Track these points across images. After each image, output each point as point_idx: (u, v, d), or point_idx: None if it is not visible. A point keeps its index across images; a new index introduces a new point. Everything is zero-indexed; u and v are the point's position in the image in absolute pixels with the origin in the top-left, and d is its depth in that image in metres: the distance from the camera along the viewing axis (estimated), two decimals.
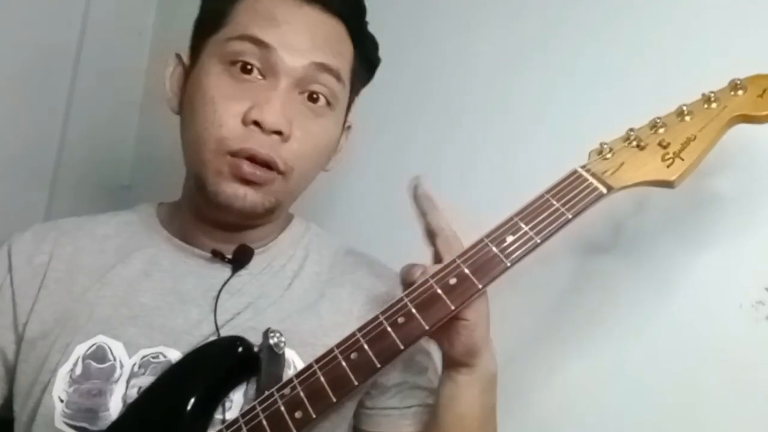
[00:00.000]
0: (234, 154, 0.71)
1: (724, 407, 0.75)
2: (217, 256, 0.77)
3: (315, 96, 0.74)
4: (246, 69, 0.72)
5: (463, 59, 1.06)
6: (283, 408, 0.63)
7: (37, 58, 1.31)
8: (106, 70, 1.41)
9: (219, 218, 0.76)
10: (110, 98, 1.43)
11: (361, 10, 0.81)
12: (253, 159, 0.71)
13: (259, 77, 0.72)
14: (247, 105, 0.71)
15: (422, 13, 1.13)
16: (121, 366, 0.70)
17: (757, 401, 0.73)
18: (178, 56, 0.79)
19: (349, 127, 0.85)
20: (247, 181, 0.72)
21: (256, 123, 0.70)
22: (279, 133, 0.71)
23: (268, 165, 0.72)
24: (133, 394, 0.69)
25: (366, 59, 0.81)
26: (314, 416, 0.62)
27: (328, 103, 0.76)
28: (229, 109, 0.71)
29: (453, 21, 1.08)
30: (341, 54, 0.77)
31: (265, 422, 0.63)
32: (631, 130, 0.68)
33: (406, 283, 0.66)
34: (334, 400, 0.62)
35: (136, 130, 1.51)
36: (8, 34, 1.25)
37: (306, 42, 0.73)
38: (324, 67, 0.73)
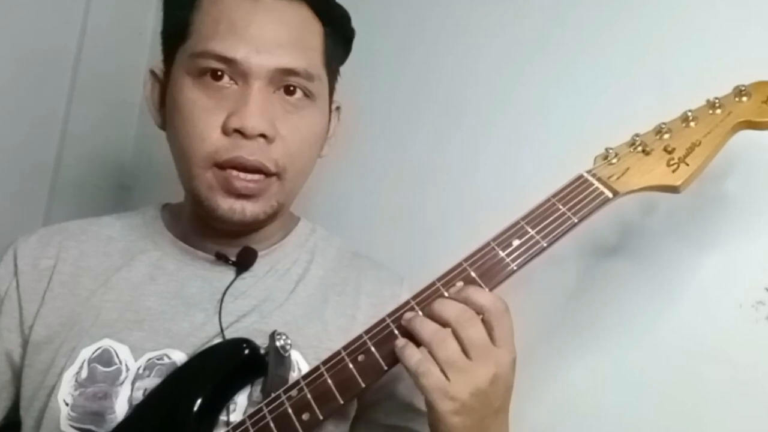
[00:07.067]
0: (221, 165, 0.70)
1: (725, 407, 0.75)
2: (221, 258, 0.77)
3: (291, 88, 0.73)
4: (216, 75, 0.71)
5: (464, 59, 1.06)
6: (290, 410, 0.63)
7: (37, 59, 1.30)
8: (106, 70, 1.40)
9: (222, 227, 0.76)
10: (110, 98, 1.43)
11: None
12: (243, 168, 0.70)
13: (231, 82, 0.71)
14: (224, 114, 0.70)
15: (424, 13, 1.13)
16: (127, 369, 0.70)
17: (757, 401, 0.74)
18: (153, 72, 0.78)
19: (338, 108, 0.83)
20: (242, 195, 0.71)
21: (238, 131, 0.69)
22: (264, 136, 0.70)
23: (259, 171, 0.71)
24: (139, 396, 0.69)
25: (339, 35, 0.79)
26: (321, 418, 0.63)
27: (307, 96, 0.74)
28: (208, 122, 0.70)
29: (455, 21, 1.08)
30: (309, 47, 0.74)
31: (272, 424, 0.63)
32: (637, 135, 0.68)
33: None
34: (342, 401, 0.63)
35: (136, 130, 1.51)
36: (8, 34, 1.24)
37: (270, 44, 0.70)
38: (291, 72, 0.72)
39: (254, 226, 0.77)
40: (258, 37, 0.70)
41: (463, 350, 0.59)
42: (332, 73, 0.80)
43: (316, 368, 0.65)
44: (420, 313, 0.63)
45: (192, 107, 0.71)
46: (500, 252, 0.64)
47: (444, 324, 0.60)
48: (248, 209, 0.72)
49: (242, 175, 0.70)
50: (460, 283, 0.64)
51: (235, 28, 0.70)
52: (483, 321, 0.60)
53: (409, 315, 0.63)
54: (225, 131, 0.70)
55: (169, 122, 0.75)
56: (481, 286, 0.63)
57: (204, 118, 0.70)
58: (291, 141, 0.72)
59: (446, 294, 0.64)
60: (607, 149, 0.68)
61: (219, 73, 0.70)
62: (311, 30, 0.75)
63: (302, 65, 0.72)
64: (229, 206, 0.71)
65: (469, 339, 0.59)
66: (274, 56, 0.70)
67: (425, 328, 0.60)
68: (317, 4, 0.75)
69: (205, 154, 0.70)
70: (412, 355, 0.60)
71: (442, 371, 0.59)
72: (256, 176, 0.71)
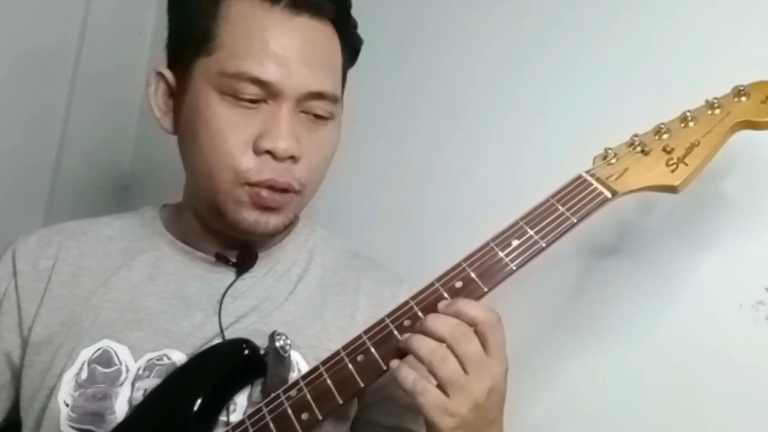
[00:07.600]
0: (252, 185, 0.71)
1: (724, 407, 0.76)
2: (221, 259, 0.77)
3: (317, 111, 0.73)
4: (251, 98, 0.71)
5: (464, 59, 1.06)
6: (289, 410, 0.63)
7: (37, 58, 1.30)
8: (106, 70, 1.41)
9: (239, 236, 0.76)
10: (110, 98, 1.43)
11: (348, 5, 0.78)
12: (272, 188, 0.71)
13: (260, 100, 0.71)
14: (254, 132, 0.70)
15: (424, 13, 1.13)
16: (127, 370, 0.71)
17: (757, 401, 0.74)
18: (160, 74, 0.76)
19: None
20: (268, 208, 0.72)
21: (269, 152, 0.70)
22: (292, 157, 0.71)
23: (286, 190, 0.72)
24: (139, 396, 0.70)
25: (350, 47, 0.79)
26: (321, 418, 0.63)
27: (329, 117, 0.75)
28: (238, 140, 0.70)
29: (455, 21, 1.08)
30: (334, 68, 0.75)
31: (271, 424, 0.63)
32: (636, 135, 0.68)
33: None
34: (341, 401, 0.63)
35: (136, 130, 1.51)
36: (8, 34, 1.24)
37: (304, 67, 0.70)
38: (320, 95, 0.72)
39: (269, 238, 0.78)
40: (292, 59, 0.70)
41: (460, 366, 0.59)
42: (343, 83, 0.80)
43: (316, 368, 0.65)
44: (419, 314, 0.63)
45: (220, 123, 0.70)
46: (499, 252, 0.64)
47: (439, 340, 0.60)
48: (272, 222, 0.73)
49: (271, 191, 0.71)
50: (458, 284, 0.64)
51: (269, 50, 0.69)
52: (476, 332, 0.61)
53: (405, 336, 0.63)
54: (256, 150, 0.70)
55: (188, 132, 0.73)
56: (480, 286, 0.64)
57: (233, 135, 0.70)
58: (313, 159, 0.74)
59: (445, 294, 0.64)
60: (606, 149, 0.68)
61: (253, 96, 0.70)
62: (335, 49, 0.76)
63: (330, 89, 0.73)
64: (254, 219, 0.72)
65: (465, 354, 0.59)
66: (307, 79, 0.71)
67: (423, 347, 0.60)
68: (341, 23, 0.76)
69: (234, 171, 0.70)
70: (407, 375, 0.60)
71: (442, 388, 0.59)
72: (281, 192, 0.72)
